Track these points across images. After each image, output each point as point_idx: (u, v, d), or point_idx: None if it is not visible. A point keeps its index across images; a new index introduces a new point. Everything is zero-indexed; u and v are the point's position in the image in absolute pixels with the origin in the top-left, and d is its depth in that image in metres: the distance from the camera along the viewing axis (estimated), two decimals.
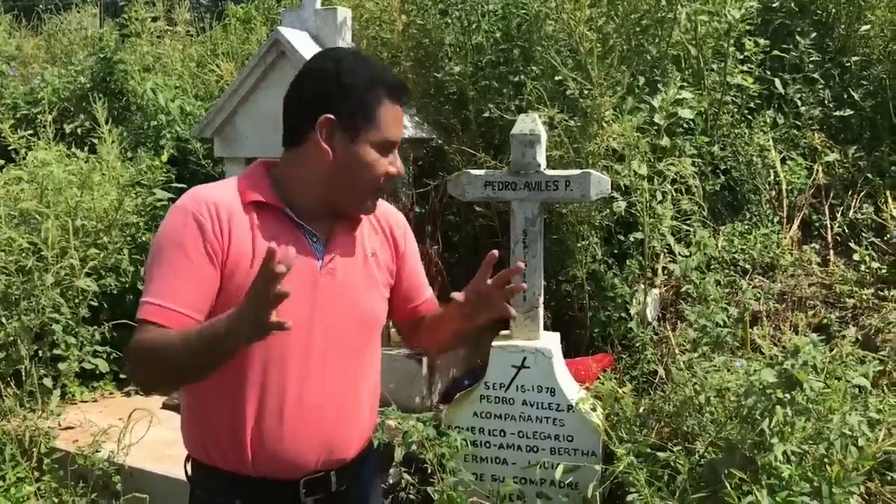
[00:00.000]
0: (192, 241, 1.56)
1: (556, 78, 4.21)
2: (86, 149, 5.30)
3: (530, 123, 3.63)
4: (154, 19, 6.44)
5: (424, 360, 4.28)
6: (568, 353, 4.40)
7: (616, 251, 4.58)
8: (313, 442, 1.64)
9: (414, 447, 3.51)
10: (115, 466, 3.54)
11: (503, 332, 3.80)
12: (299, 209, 1.67)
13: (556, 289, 4.59)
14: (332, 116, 1.62)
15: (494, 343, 3.71)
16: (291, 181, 1.69)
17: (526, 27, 4.58)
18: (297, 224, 1.66)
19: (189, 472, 1.74)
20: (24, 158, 4.54)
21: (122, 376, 4.53)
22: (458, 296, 1.77)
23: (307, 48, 4.49)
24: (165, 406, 4.33)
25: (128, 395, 4.50)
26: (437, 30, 4.72)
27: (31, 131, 4.95)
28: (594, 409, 3.60)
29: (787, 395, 2.60)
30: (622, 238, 4.48)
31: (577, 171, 3.58)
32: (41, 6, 8.72)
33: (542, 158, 3.61)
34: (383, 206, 1.89)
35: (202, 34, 6.88)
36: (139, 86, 5.87)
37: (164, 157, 4.84)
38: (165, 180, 4.83)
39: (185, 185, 5.19)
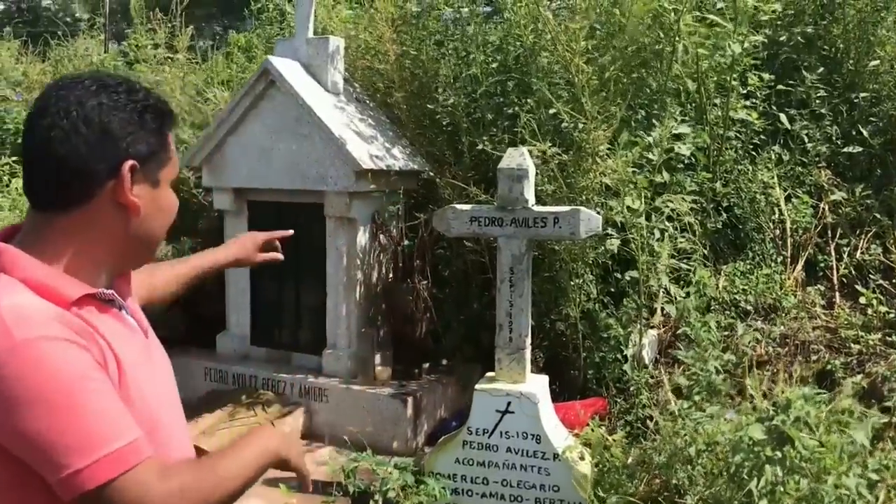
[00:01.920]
0: (92, 373, 1.19)
1: (551, 111, 4.09)
2: None
3: (518, 158, 3.50)
4: (155, 46, 6.41)
5: (409, 399, 4.13)
6: (561, 395, 4.25)
7: (613, 290, 4.42)
8: None
9: (391, 494, 3.36)
10: None
11: (488, 374, 3.65)
12: (97, 284, 1.33)
13: (549, 328, 4.44)
14: (135, 162, 1.28)
15: (478, 386, 3.56)
16: (78, 254, 1.29)
17: (522, 59, 4.47)
18: (108, 302, 1.34)
19: None
20: (7, 186, 4.45)
21: None
22: (220, 255, 1.98)
23: (298, 78, 4.41)
24: None
25: None
26: (431, 61, 4.63)
27: (14, 158, 4.87)
28: (582, 458, 3.43)
29: (778, 453, 2.43)
30: (619, 276, 4.32)
31: (566, 208, 3.44)
32: (49, 32, 8.76)
33: (529, 194, 3.48)
34: None
35: (204, 63, 6.84)
36: None
37: None
38: None
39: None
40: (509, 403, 3.50)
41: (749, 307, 4.40)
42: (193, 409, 4.42)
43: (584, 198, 4.00)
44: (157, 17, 6.52)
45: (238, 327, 4.83)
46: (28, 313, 1.17)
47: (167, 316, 4.82)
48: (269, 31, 6.53)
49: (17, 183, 4.45)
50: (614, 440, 3.55)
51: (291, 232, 2.09)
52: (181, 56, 6.52)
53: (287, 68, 4.38)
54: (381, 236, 4.48)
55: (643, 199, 3.91)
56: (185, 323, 4.98)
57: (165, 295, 1.87)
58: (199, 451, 4.11)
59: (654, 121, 4.19)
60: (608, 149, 3.99)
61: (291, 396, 4.43)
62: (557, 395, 4.23)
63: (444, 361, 4.60)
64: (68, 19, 9.19)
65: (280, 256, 2.00)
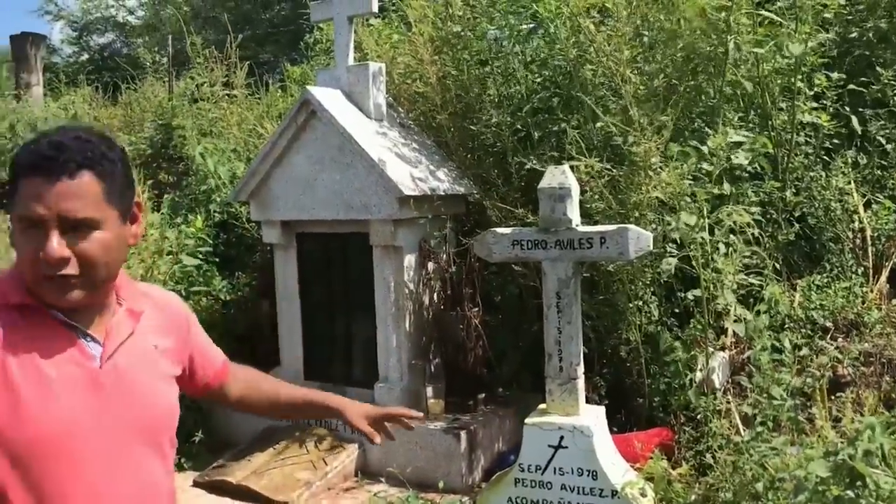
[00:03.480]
0: None
1: (598, 125, 3.88)
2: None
3: (559, 176, 3.31)
4: (211, 84, 6.49)
5: (463, 434, 3.95)
6: (626, 425, 4.00)
7: (677, 310, 4.15)
8: None
9: None
10: None
11: (540, 407, 3.44)
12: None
13: (611, 353, 4.20)
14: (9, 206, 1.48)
15: (528, 420, 3.36)
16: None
17: (566, 73, 4.28)
18: (64, 323, 1.47)
19: None
20: None
21: None
22: (335, 404, 1.91)
23: (338, 106, 4.33)
24: (196, 483, 4.15)
25: None
26: (475, 80, 4.49)
27: None
28: (644, 495, 3.18)
29: (848, 493, 2.16)
30: (682, 296, 4.05)
31: (612, 227, 3.22)
32: (121, 78, 9.04)
33: (573, 213, 3.28)
34: (156, 291, 1.76)
35: (262, 97, 6.91)
36: (194, 150, 5.88)
37: (199, 223, 4.75)
38: (198, 244, 4.72)
39: (230, 251, 5.11)
40: (562, 438, 3.28)
41: (828, 324, 4.06)
42: (246, 447, 4.36)
43: (637, 214, 3.77)
44: (213, 56, 6.62)
45: (291, 362, 4.75)
46: None
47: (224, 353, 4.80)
48: (322, 62, 6.53)
49: None
50: (679, 474, 3.29)
51: (418, 414, 1.99)
52: (237, 92, 6.59)
53: (327, 97, 4.32)
54: (429, 264, 4.34)
55: (702, 213, 3.64)
56: (240, 359, 4.93)
57: (257, 403, 1.95)
58: (246, 490, 3.97)
59: (710, 129, 3.92)
60: (661, 161, 3.75)
61: (344, 433, 4.31)
62: (623, 425, 3.98)
63: (501, 390, 4.40)
64: (137, 64, 9.47)
65: (376, 440, 1.91)
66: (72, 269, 1.40)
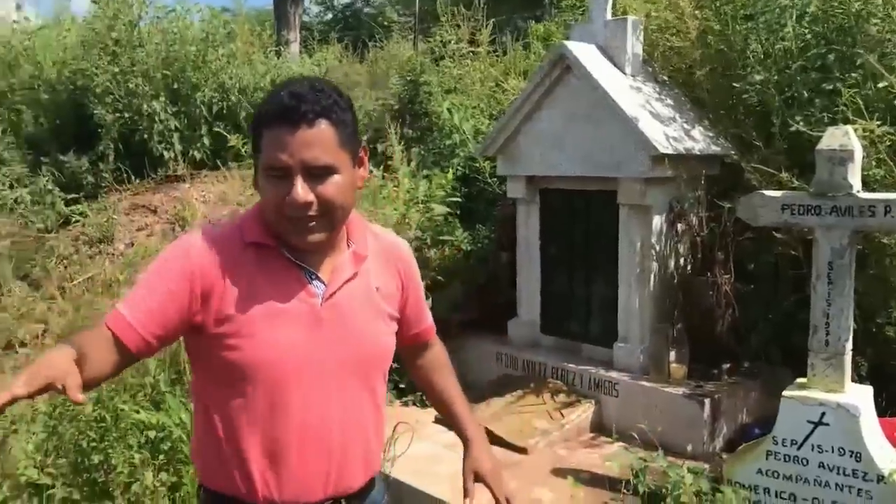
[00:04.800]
0: (174, 271, 1.57)
1: (880, 85, 3.56)
2: (389, 167, 5.61)
3: (841, 137, 3.09)
4: (458, 41, 6.66)
5: (707, 401, 3.85)
6: (887, 411, 3.71)
7: None
8: (319, 470, 1.64)
9: (683, 499, 3.15)
10: (381, 476, 3.60)
11: (799, 381, 3.28)
12: (291, 245, 1.62)
13: (875, 332, 3.89)
14: (254, 153, 1.61)
15: (786, 392, 3.21)
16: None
17: (845, 29, 3.94)
18: (293, 262, 1.62)
19: (201, 498, 1.75)
20: None
21: (401, 386, 4.65)
22: (468, 436, 1.94)
23: (594, 62, 4.29)
24: (437, 421, 4.36)
25: (405, 404, 4.61)
26: (738, 35, 4.26)
27: None
28: None
29: None
30: None
31: None
32: (367, 36, 9.51)
33: (855, 179, 3.05)
34: (391, 237, 1.86)
35: (505, 54, 6.99)
36: (439, 107, 6.08)
37: (450, 176, 4.93)
38: (448, 196, 4.90)
39: (461, 200, 5.26)
40: (823, 414, 3.11)
41: None
42: (484, 391, 4.52)
43: None
44: (461, 14, 6.77)
45: (528, 315, 4.85)
46: (201, 230, 1.63)
47: (464, 301, 4.99)
48: (567, 18, 6.48)
49: None
50: None
51: None
52: (482, 50, 6.71)
53: (583, 52, 4.29)
54: (679, 225, 4.22)
55: None
56: (479, 309, 5.12)
57: (425, 383, 2.03)
58: (489, 434, 4.14)
59: None
60: None
61: (580, 388, 4.35)
62: (883, 411, 3.69)
63: (746, 364, 4.23)
64: (384, 23, 9.90)
65: (467, 500, 1.86)
66: (314, 211, 1.52)
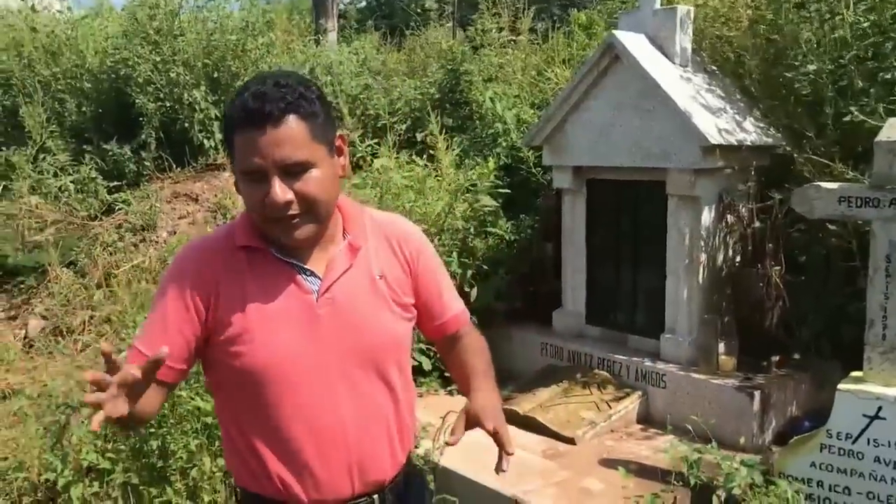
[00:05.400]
0: (175, 293, 1.60)
1: None
2: (429, 156, 5.62)
3: None
4: (499, 29, 6.64)
5: (757, 394, 3.83)
6: None
7: None
8: (340, 466, 1.64)
9: (736, 492, 3.14)
10: (431, 465, 3.63)
11: (854, 374, 3.25)
12: (283, 244, 1.63)
13: None
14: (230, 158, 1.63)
15: (841, 386, 3.19)
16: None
17: None
18: (284, 262, 1.63)
19: (238, 497, 1.77)
20: (370, 165, 4.91)
21: (446, 374, 4.68)
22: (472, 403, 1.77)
23: (643, 51, 4.27)
24: None
25: (451, 393, 4.64)
26: (790, 24, 4.20)
27: (375, 140, 5.33)
28: None
29: None
30: None
31: None
32: (404, 23, 9.50)
33: None
34: (395, 222, 1.82)
35: (545, 43, 6.95)
36: (480, 95, 6.08)
37: (492, 165, 4.93)
38: (493, 186, 4.91)
39: (510, 191, 5.26)
40: (880, 408, 3.09)
41: None
42: (530, 381, 4.54)
43: None
44: (501, 2, 6.75)
45: (573, 305, 4.85)
46: (191, 243, 1.70)
47: (507, 291, 5.00)
48: (610, 6, 6.44)
49: (379, 162, 4.86)
50: None
51: (510, 451, 1.78)
52: (523, 38, 6.69)
53: (632, 42, 4.26)
54: (729, 216, 4.19)
55: None
56: (522, 299, 5.13)
57: (452, 368, 1.97)
58: (533, 422, 4.15)
59: None
60: None
61: (627, 379, 4.35)
62: None
63: (796, 356, 4.20)
64: (419, 10, 9.89)
65: (452, 439, 1.71)
66: (296, 209, 1.52)
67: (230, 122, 1.53)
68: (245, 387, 1.60)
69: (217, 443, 3.32)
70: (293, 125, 1.49)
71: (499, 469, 1.74)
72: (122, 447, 3.33)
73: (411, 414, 1.80)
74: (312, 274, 1.63)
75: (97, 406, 1.32)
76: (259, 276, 1.61)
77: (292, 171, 1.51)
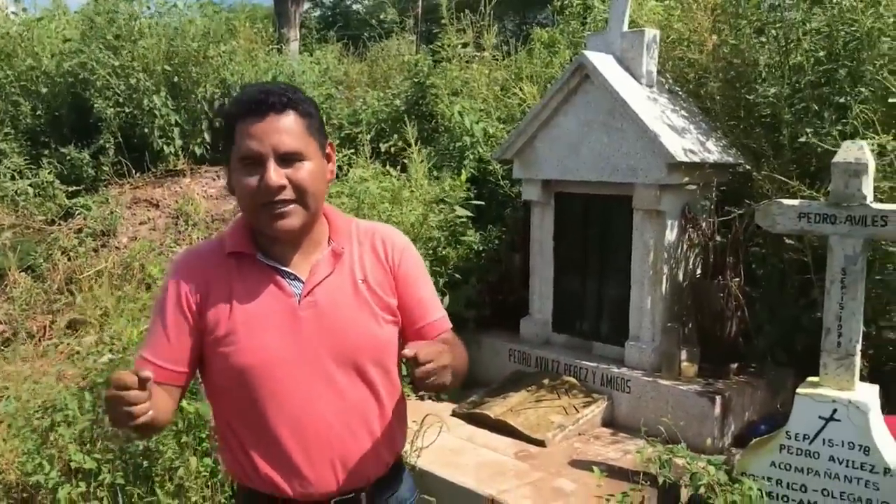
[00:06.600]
0: (172, 300, 1.71)
1: (891, 100, 3.78)
2: (398, 167, 5.73)
3: (856, 151, 3.28)
4: (464, 45, 6.80)
5: (718, 399, 4.04)
6: (884, 410, 3.92)
7: None
8: (325, 461, 1.71)
9: (702, 490, 3.32)
10: (408, 467, 3.73)
11: (810, 379, 3.47)
12: (270, 250, 1.74)
13: (875, 335, 4.11)
14: (226, 153, 1.72)
15: (800, 390, 3.40)
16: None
17: (854, 45, 4.16)
18: (269, 266, 1.73)
19: (235, 490, 1.91)
20: (345, 175, 5.00)
21: None
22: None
23: (612, 71, 4.46)
24: (455, 414, 4.51)
25: (421, 398, 4.74)
26: (751, 49, 4.46)
27: (352, 150, 5.43)
28: None
29: None
30: None
31: None
32: (366, 35, 9.61)
33: (868, 190, 3.25)
34: (382, 228, 1.89)
35: (507, 58, 7.13)
36: (447, 109, 6.22)
37: (464, 177, 5.07)
38: (465, 198, 5.05)
39: (483, 203, 5.41)
40: (835, 411, 3.30)
41: None
42: (499, 387, 4.67)
43: None
44: (466, 17, 6.91)
45: (541, 313, 5.01)
46: (183, 252, 1.82)
47: (476, 299, 5.14)
48: (572, 26, 6.65)
49: (355, 172, 4.95)
50: None
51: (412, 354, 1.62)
52: (487, 53, 6.85)
53: (601, 62, 4.46)
54: (691, 230, 4.41)
55: None
56: (491, 307, 5.27)
57: None
58: (504, 425, 4.24)
59: None
60: None
61: (593, 384, 4.52)
62: (883, 410, 3.90)
63: (753, 364, 4.43)
64: (374, 22, 10.00)
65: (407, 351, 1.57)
66: (287, 195, 1.64)
67: (233, 114, 1.66)
68: (233, 387, 1.69)
69: (203, 443, 3.37)
70: (292, 117, 1.65)
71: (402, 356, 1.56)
72: (110, 447, 3.35)
73: (399, 416, 1.85)
74: (296, 278, 1.72)
75: (141, 413, 1.44)
76: (245, 279, 1.70)
77: (287, 159, 1.64)
